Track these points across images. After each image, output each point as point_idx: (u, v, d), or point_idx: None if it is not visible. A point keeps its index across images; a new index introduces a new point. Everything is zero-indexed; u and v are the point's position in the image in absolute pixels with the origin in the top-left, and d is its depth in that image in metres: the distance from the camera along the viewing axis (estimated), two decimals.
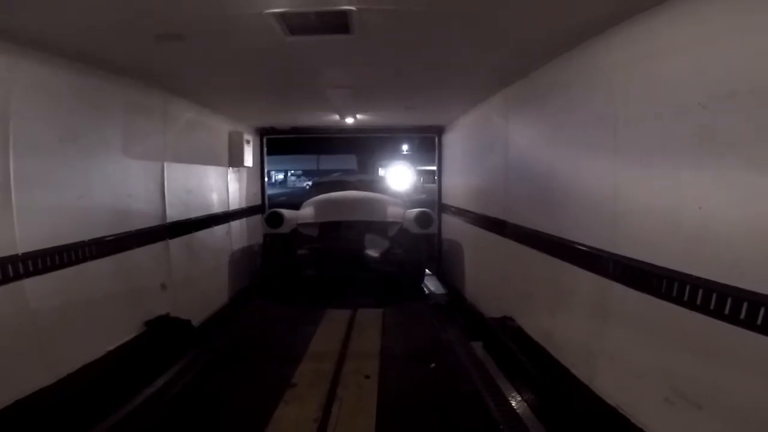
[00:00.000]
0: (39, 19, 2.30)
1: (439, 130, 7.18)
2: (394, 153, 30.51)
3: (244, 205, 6.28)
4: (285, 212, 5.87)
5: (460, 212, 5.95)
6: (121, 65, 3.27)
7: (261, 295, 5.84)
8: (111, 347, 3.25)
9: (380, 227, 5.86)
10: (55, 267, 2.77)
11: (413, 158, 31.25)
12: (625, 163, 2.41)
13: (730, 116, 1.75)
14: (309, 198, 6.79)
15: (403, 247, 5.86)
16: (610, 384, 2.54)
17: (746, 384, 1.71)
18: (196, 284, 4.61)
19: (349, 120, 6.07)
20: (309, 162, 30.83)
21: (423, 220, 5.69)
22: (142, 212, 3.73)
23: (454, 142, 6.74)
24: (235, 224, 5.89)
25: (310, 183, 26.32)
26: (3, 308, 2.43)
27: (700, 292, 1.90)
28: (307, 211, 6.10)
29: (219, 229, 5.35)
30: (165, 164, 4.08)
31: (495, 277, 4.54)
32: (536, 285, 3.62)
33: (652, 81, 2.20)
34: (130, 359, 3.32)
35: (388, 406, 3.04)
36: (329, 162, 29.44)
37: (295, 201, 7.24)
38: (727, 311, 1.77)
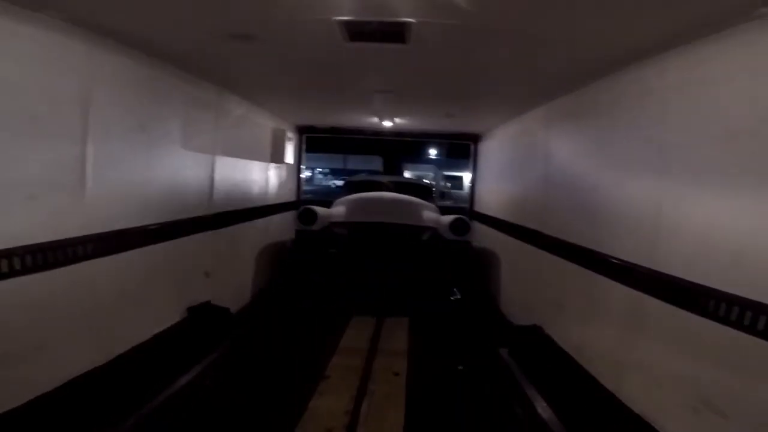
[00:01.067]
0: (121, 12, 2.52)
1: (476, 138, 7.34)
2: (420, 156, 30.73)
3: (280, 200, 6.57)
4: (318, 209, 5.85)
5: (493, 220, 6.09)
6: (187, 60, 3.54)
7: (292, 290, 6.05)
8: (158, 330, 3.50)
9: (414, 231, 5.79)
10: (117, 250, 3.03)
11: (440, 163, 31.48)
12: (670, 183, 2.53)
13: None
14: (340, 197, 6.85)
15: (435, 253, 5.83)
16: (637, 392, 2.66)
17: None
18: (235, 274, 4.90)
19: (387, 123, 6.29)
20: (336, 161, 31.28)
21: (459, 227, 5.65)
22: (193, 202, 4.02)
23: (490, 151, 6.88)
24: (272, 218, 6.18)
25: (336, 182, 26.82)
26: (72, 289, 2.67)
27: (735, 308, 2.02)
28: (340, 210, 6.06)
29: (257, 222, 5.64)
30: (215, 157, 4.37)
31: (526, 286, 4.67)
32: (568, 296, 3.75)
33: (703, 106, 2.33)
34: (173, 343, 3.56)
35: (416, 402, 3.22)
36: (355, 162, 29.85)
37: (322, 199, 7.34)
38: (761, 327, 1.90)
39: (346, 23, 2.69)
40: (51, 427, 2.33)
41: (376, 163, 28.35)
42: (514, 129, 5.61)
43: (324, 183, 29.86)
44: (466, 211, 7.52)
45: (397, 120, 6.12)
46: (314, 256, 5.94)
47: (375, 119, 6.11)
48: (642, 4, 2.07)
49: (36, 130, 2.41)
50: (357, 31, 2.83)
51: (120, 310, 3.10)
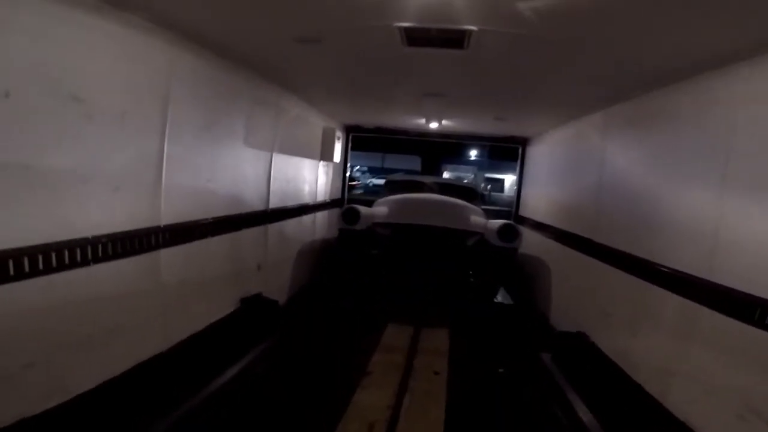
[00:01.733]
0: (202, 14, 2.71)
1: (524, 142, 7.34)
2: (461, 157, 30.58)
3: (328, 198, 6.81)
4: (362, 209, 5.74)
5: (540, 226, 6.09)
6: (254, 62, 3.77)
7: (335, 287, 6.17)
8: (213, 320, 3.74)
9: (460, 236, 5.67)
10: (183, 241, 3.27)
11: (481, 164, 31.19)
12: (733, 194, 2.54)
13: None
14: (382, 197, 6.78)
15: (481, 258, 5.73)
16: (683, 400, 2.71)
17: None
18: (284, 268, 5.15)
19: (434, 125, 6.40)
20: (374, 159, 31.61)
21: (507, 233, 5.44)
22: (251, 197, 4.29)
23: (539, 155, 6.87)
24: (320, 215, 6.43)
25: (374, 180, 27.10)
26: (144, 276, 2.91)
27: None
28: (383, 210, 5.95)
29: (306, 219, 5.90)
30: (273, 154, 4.63)
31: (572, 293, 4.68)
32: (616, 305, 3.76)
33: None
34: (226, 332, 3.79)
35: (456, 401, 3.33)
36: (394, 161, 30.07)
37: (366, 198, 7.42)
38: None
39: (407, 29, 2.83)
40: (118, 409, 2.56)
41: (414, 162, 28.51)
42: (567, 133, 5.59)
43: (362, 181, 30.26)
44: (511, 215, 7.53)
45: (445, 122, 6.23)
46: (356, 257, 5.91)
47: (422, 120, 6.24)
48: (708, 18, 2.11)
49: (124, 126, 2.65)
50: (416, 37, 2.95)
51: (184, 299, 3.34)
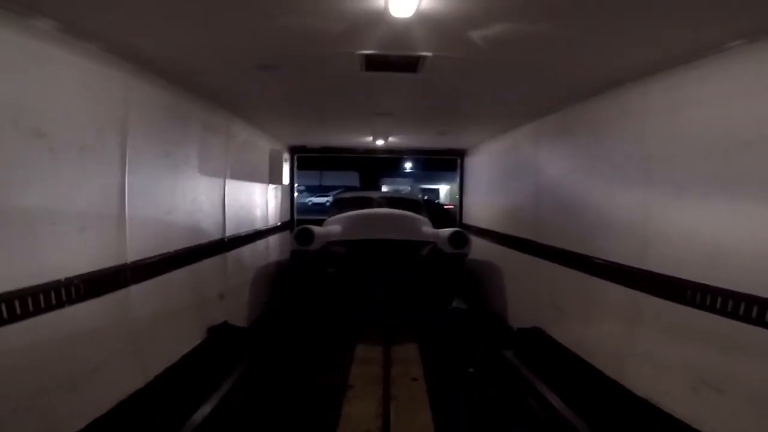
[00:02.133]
0: (158, 42, 2.74)
1: (462, 153, 7.83)
2: (397, 170, 31.34)
3: (278, 221, 6.82)
4: (315, 229, 5.73)
5: (485, 232, 6.52)
6: (205, 87, 3.81)
7: (294, 308, 6.15)
8: (184, 351, 3.71)
9: (415, 246, 5.80)
10: (150, 276, 3.24)
11: (416, 176, 32.16)
12: (657, 194, 2.99)
13: (745, 160, 2.34)
14: (332, 215, 6.81)
15: (435, 266, 5.90)
16: (640, 379, 3.08)
17: (758, 370, 2.25)
18: (244, 294, 5.13)
19: (380, 142, 6.69)
20: (311, 178, 31.43)
21: (458, 240, 5.69)
22: (208, 226, 4.27)
23: (478, 165, 7.36)
24: (272, 239, 6.43)
25: (313, 199, 26.95)
26: (116, 314, 2.87)
27: (719, 298, 2.46)
28: (336, 228, 5.98)
29: (260, 243, 5.90)
30: (226, 180, 4.63)
31: (523, 292, 5.09)
32: (566, 299, 4.18)
33: (682, 126, 2.80)
34: (199, 363, 3.76)
35: (439, 403, 3.54)
36: (331, 178, 30.10)
37: (309, 218, 7.48)
38: (741, 312, 2.33)
39: (367, 56, 3.05)
40: None
41: (352, 178, 28.73)
42: (503, 144, 6.08)
43: (299, 201, 29.95)
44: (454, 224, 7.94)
45: (391, 138, 6.53)
46: (312, 277, 5.91)
47: (369, 138, 6.49)
48: (623, 38, 2.49)
49: (85, 160, 2.60)
50: (374, 62, 3.17)
51: (154, 333, 3.30)
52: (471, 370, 4.23)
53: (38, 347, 2.25)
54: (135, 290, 3.05)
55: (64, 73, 2.47)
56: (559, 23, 2.38)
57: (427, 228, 6.13)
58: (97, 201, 2.74)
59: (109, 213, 2.86)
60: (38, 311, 2.24)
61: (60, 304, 2.38)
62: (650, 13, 2.16)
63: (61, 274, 2.40)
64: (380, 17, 2.35)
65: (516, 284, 5.37)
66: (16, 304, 2.11)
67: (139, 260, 3.11)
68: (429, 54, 2.96)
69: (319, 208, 20.50)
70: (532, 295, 4.82)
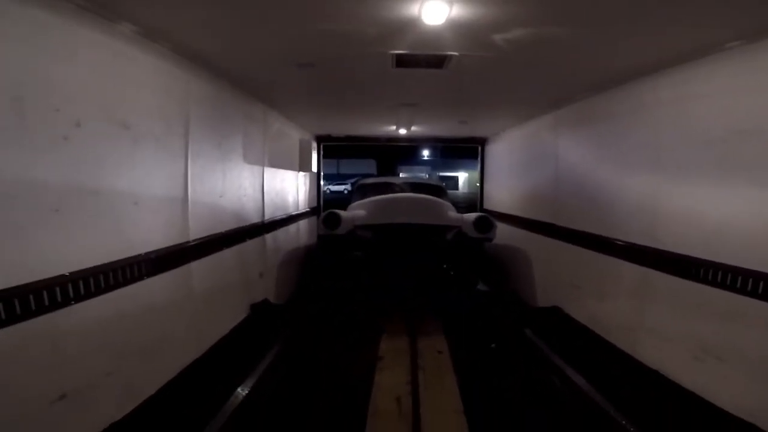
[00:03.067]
0: (217, 43, 3.13)
1: (483, 141, 8.13)
2: (415, 158, 31.61)
3: (307, 207, 7.26)
4: (342, 213, 5.85)
5: (505, 217, 6.84)
6: (245, 82, 4.20)
7: (323, 292, 6.45)
8: (233, 324, 4.17)
9: (440, 231, 5.89)
10: (206, 253, 3.66)
11: (434, 164, 32.40)
12: (665, 179, 3.31)
13: (741, 148, 2.65)
14: (355, 200, 6.86)
15: (460, 250, 6.06)
16: (649, 350, 3.43)
17: (755, 340, 2.57)
18: (279, 275, 5.57)
19: (403, 131, 7.03)
20: (329, 166, 31.89)
21: (483, 224, 5.75)
22: (250, 210, 4.70)
23: (498, 153, 7.67)
24: (302, 223, 6.87)
25: (330, 187, 27.45)
26: (179, 287, 3.29)
27: (720, 273, 2.79)
28: (363, 213, 6.00)
29: (292, 227, 6.34)
30: (264, 168, 5.06)
31: (543, 272, 5.43)
32: (582, 278, 4.51)
33: (688, 117, 3.11)
34: (245, 336, 4.21)
35: (463, 372, 3.93)
36: (349, 166, 30.54)
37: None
38: (738, 285, 2.66)
39: (398, 55, 3.40)
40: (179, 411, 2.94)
41: (370, 166, 29.13)
42: (523, 133, 6.39)
43: None
44: (475, 209, 8.27)
45: (414, 128, 6.86)
46: (339, 261, 6.12)
47: (393, 127, 6.84)
48: (633, 36, 2.78)
49: (159, 150, 3.03)
50: (404, 60, 3.52)
51: (210, 307, 3.73)
52: (493, 345, 4.60)
53: (122, 317, 2.64)
54: (195, 266, 3.47)
55: (143, 71, 2.87)
56: (575, 26, 2.69)
57: (452, 212, 6.22)
58: (167, 185, 3.17)
59: (176, 196, 3.28)
60: (125, 282, 2.66)
61: (140, 277, 2.81)
62: (655, 16, 2.45)
63: (141, 249, 2.83)
64: (413, 23, 2.68)
65: (536, 265, 5.71)
66: (110, 276, 2.53)
67: (198, 238, 3.53)
68: (455, 53, 3.29)
69: (337, 196, 20.87)
70: (551, 275, 5.17)
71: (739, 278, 2.66)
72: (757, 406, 2.53)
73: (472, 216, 5.94)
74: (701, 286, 2.93)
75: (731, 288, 2.71)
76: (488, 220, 5.83)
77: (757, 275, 2.54)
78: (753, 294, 2.57)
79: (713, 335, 2.87)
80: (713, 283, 2.84)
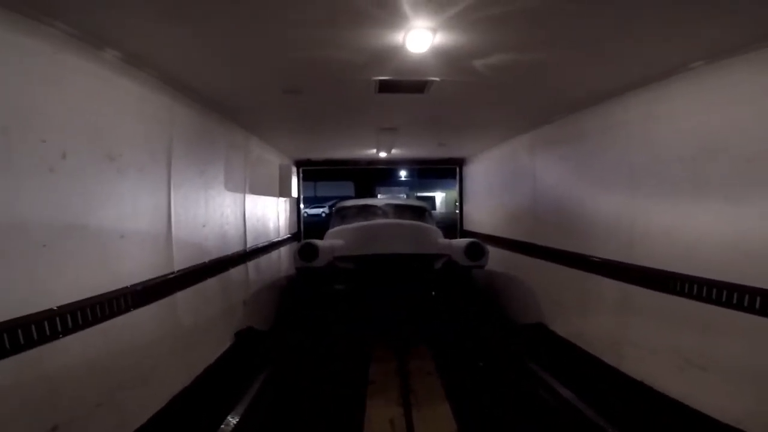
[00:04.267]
0: (201, 70, 3.18)
1: (461, 162, 8.33)
2: (392, 179, 31.93)
3: (288, 233, 7.25)
4: (320, 243, 5.38)
5: (486, 237, 6.97)
6: (228, 109, 4.27)
7: (303, 320, 6.15)
8: (220, 352, 4.13)
9: (429, 260, 5.46)
10: (190, 283, 3.65)
11: (411, 184, 32.79)
12: (641, 197, 3.48)
13: (710, 165, 2.83)
14: (333, 225, 6.41)
15: (451, 280, 5.69)
16: (635, 363, 3.54)
17: (734, 348, 2.71)
18: (262, 302, 5.53)
19: (383, 154, 7.16)
20: (306, 188, 31.87)
21: (474, 251, 5.38)
22: (233, 238, 4.70)
23: (476, 173, 7.86)
24: (283, 250, 6.85)
25: (308, 210, 27.34)
26: (165, 317, 3.28)
27: (695, 286, 2.94)
28: (341, 242, 5.55)
29: (274, 254, 6.33)
30: (245, 195, 5.07)
31: (524, 290, 5.54)
32: (564, 294, 4.64)
33: (657, 136, 3.30)
34: (231, 363, 4.16)
35: (455, 393, 3.96)
36: (326, 188, 30.59)
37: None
38: (714, 297, 2.80)
39: (381, 81, 3.52)
40: None
41: (347, 189, 29.29)
42: (501, 153, 6.59)
43: None
44: (455, 230, 8.42)
45: (394, 150, 7.00)
46: (318, 295, 5.70)
47: (373, 150, 6.96)
48: (603, 58, 2.96)
49: (143, 180, 3.03)
50: (386, 85, 3.65)
51: (195, 337, 3.70)
52: (480, 364, 4.65)
53: (110, 349, 2.63)
54: (180, 296, 3.46)
55: (127, 98, 2.89)
56: (550, 52, 2.87)
57: (441, 239, 5.79)
58: (151, 215, 3.17)
59: (160, 226, 3.29)
60: (113, 314, 2.64)
61: (127, 309, 2.79)
62: (620, 40, 2.64)
63: (128, 281, 2.82)
64: (398, 50, 2.81)
65: (518, 284, 5.83)
66: (97, 309, 2.51)
67: (182, 269, 3.52)
68: (436, 78, 3.44)
69: (315, 219, 20.80)
70: (534, 293, 5.29)
71: (714, 290, 2.81)
72: (744, 411, 2.64)
73: (462, 242, 5.57)
74: (680, 299, 3.08)
75: (708, 300, 2.86)
76: (480, 246, 5.47)
77: (731, 287, 2.69)
78: (728, 305, 2.72)
79: (695, 346, 2.99)
80: (691, 296, 2.99)
